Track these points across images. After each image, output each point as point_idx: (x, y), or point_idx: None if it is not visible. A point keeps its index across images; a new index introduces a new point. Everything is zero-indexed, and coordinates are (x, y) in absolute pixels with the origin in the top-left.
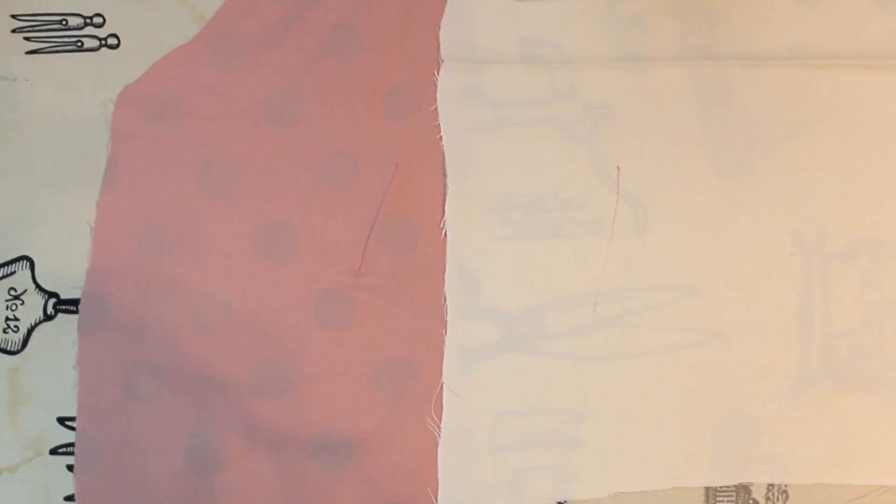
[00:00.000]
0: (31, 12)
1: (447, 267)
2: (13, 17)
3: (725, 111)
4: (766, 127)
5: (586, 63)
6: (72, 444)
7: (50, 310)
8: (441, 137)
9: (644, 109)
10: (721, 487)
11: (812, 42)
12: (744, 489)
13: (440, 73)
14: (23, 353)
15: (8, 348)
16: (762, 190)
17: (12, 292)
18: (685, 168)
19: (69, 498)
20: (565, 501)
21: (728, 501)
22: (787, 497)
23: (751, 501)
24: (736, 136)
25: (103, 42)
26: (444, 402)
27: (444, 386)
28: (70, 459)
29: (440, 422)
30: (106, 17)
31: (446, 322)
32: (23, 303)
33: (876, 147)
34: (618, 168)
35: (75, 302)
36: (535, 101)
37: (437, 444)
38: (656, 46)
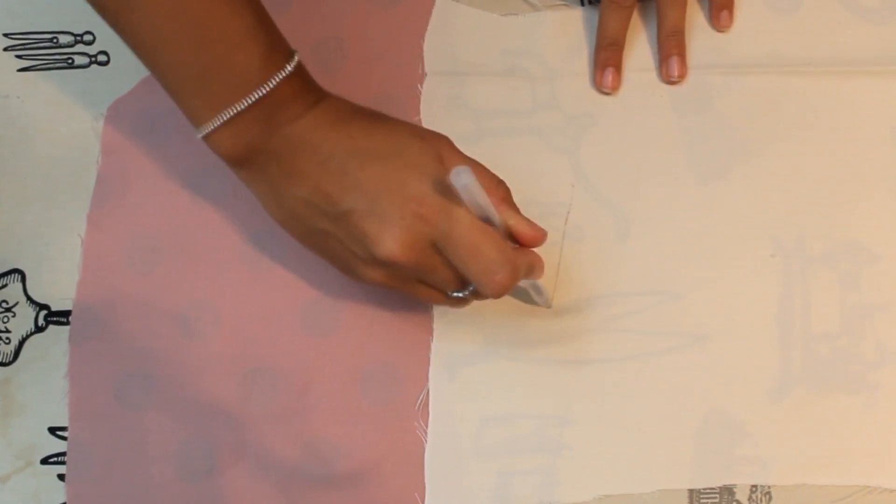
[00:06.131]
0: (22, 31)
1: None
2: (5, 35)
3: (704, 118)
4: (744, 133)
5: (567, 74)
6: (63, 454)
7: (41, 321)
8: None
9: (624, 118)
10: (705, 489)
11: (789, 50)
12: (727, 491)
13: (424, 86)
14: (14, 364)
15: None
16: (742, 195)
17: (3, 305)
18: (665, 175)
19: None
20: None
21: (712, 503)
22: (770, 498)
23: (734, 503)
24: (715, 142)
25: (93, 59)
26: (430, 408)
27: (430, 391)
28: (61, 469)
29: (427, 427)
30: (96, 34)
31: (433, 328)
32: (14, 315)
33: (853, 152)
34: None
35: (66, 314)
36: (516, 112)
37: (423, 449)
38: (635, 56)
